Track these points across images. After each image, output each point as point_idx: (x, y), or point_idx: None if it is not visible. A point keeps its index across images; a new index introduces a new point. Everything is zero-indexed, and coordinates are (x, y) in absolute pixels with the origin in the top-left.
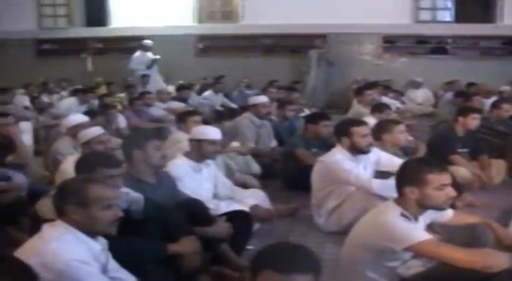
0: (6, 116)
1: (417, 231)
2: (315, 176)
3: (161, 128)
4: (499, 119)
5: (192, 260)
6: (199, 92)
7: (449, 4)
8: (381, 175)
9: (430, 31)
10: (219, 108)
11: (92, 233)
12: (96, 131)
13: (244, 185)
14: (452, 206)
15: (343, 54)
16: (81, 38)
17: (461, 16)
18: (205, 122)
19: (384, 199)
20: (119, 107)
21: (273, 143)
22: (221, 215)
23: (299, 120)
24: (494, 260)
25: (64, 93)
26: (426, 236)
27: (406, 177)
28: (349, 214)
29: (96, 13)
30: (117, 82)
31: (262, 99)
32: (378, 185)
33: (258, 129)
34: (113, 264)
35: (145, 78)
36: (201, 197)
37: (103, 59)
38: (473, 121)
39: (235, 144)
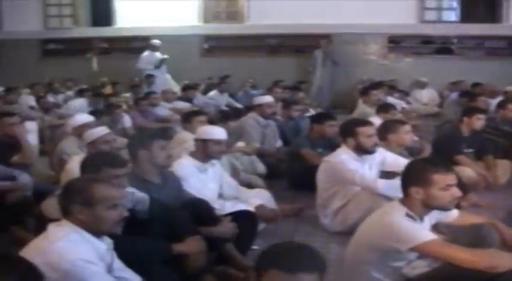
0: (12, 115)
1: (422, 231)
2: (320, 176)
3: (166, 128)
4: (504, 119)
5: (197, 260)
6: (205, 92)
7: (455, 4)
8: (386, 175)
9: (436, 31)
10: (224, 108)
11: (97, 233)
12: (102, 131)
13: (250, 185)
14: (458, 206)
15: (348, 55)
16: (86, 38)
17: (466, 16)
18: (211, 122)
19: (389, 199)
20: (125, 107)
21: (278, 143)
22: (226, 215)
23: (304, 120)
24: (500, 260)
25: (69, 93)
26: (431, 236)
27: (411, 177)
28: (354, 214)
29: (102, 13)
30: (123, 82)
31: (268, 99)
32: (383, 185)
33: (263, 129)
34: (118, 264)
35: (150, 78)
36: (206, 197)
37: (108, 59)
38: (478, 122)
39: (240, 144)
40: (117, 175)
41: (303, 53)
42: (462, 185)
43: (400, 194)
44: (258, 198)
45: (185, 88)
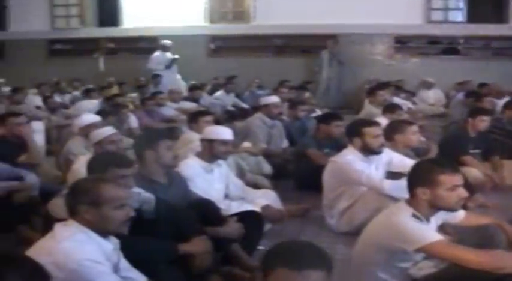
0: (19, 115)
1: (429, 232)
2: (327, 176)
3: (173, 128)
4: (511, 120)
5: (203, 260)
6: (211, 92)
7: (461, 4)
8: (392, 175)
9: (442, 31)
10: (231, 108)
11: (103, 233)
12: (108, 131)
13: (256, 186)
14: (464, 207)
15: (354, 55)
16: (93, 38)
17: (473, 16)
18: (217, 122)
19: (395, 199)
20: (131, 107)
21: (285, 143)
22: (232, 215)
23: (310, 120)
24: (506, 261)
25: (76, 93)
26: (438, 237)
27: (418, 178)
28: (360, 214)
29: (108, 13)
30: (129, 82)
31: (274, 99)
32: (389, 185)
33: (269, 130)
34: (124, 263)
35: (157, 78)
36: (212, 198)
37: (115, 59)
38: (482, 123)
39: (246, 144)
40: (124, 175)
41: (309, 53)
42: (469, 185)
43: (407, 195)
44: (264, 198)
45: (191, 88)
